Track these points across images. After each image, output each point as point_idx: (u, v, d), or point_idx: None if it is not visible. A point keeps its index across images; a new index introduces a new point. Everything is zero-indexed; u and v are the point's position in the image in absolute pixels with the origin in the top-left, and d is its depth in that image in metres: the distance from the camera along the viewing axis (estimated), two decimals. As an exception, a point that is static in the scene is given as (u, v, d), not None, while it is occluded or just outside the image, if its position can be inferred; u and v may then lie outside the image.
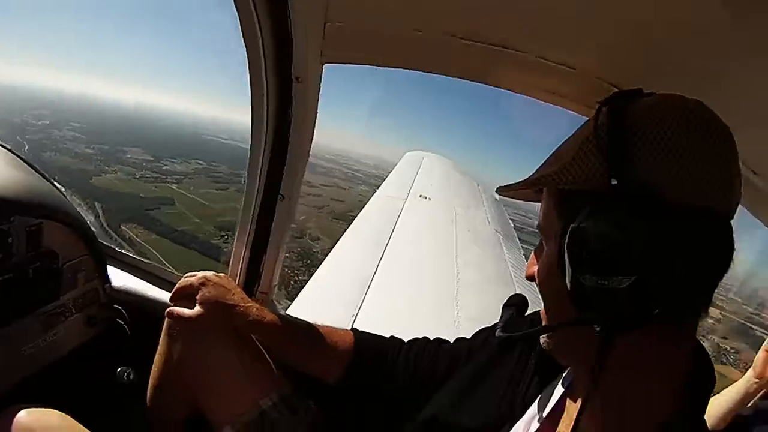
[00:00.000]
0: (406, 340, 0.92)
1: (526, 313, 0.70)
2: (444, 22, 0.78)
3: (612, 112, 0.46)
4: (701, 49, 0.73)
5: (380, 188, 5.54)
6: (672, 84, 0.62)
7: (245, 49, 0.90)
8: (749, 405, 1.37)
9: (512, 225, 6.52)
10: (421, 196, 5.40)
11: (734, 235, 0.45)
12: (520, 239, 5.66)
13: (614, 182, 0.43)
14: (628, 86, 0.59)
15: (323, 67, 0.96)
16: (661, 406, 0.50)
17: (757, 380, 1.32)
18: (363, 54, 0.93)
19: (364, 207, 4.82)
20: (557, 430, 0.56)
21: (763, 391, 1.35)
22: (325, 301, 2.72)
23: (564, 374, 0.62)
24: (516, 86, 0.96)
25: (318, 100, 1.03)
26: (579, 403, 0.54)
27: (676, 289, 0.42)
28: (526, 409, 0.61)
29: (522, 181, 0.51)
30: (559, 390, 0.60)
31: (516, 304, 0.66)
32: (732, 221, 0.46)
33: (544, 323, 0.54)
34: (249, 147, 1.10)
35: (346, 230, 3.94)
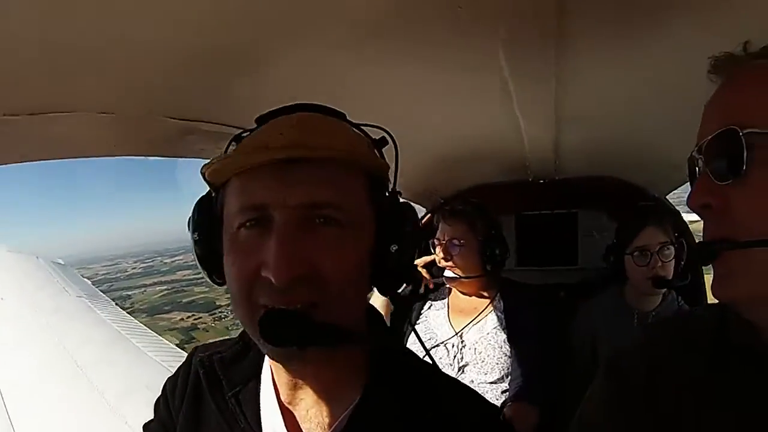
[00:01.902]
0: None
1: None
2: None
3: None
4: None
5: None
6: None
7: None
8: None
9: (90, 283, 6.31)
10: (-7, 299, 5.01)
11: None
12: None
13: None
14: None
15: None
16: (359, 369, 0.56)
17: None
18: None
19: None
20: (299, 415, 0.57)
21: None
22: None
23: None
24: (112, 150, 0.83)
25: None
26: (299, 395, 0.56)
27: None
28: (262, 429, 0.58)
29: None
30: (269, 394, 0.59)
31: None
32: None
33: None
34: None
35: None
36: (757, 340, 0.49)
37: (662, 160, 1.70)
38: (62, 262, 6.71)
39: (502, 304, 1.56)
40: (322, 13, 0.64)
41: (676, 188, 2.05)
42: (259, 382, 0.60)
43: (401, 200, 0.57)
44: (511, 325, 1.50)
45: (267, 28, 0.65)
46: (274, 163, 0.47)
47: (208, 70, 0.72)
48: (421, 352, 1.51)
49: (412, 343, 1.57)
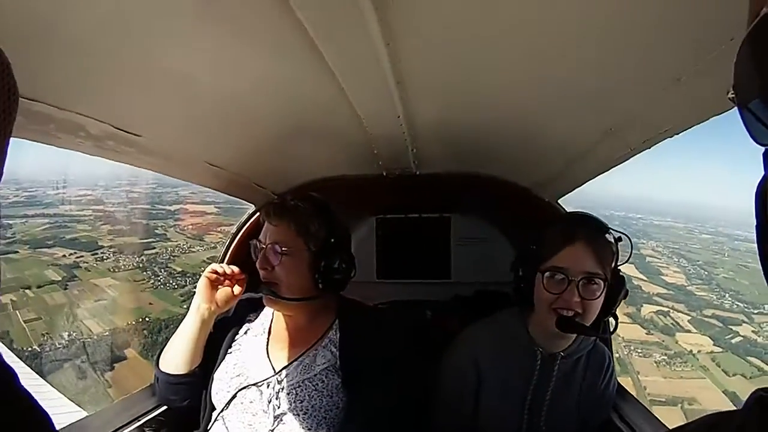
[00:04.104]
0: None
1: None
2: None
3: None
4: None
5: None
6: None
7: None
8: None
9: None
10: None
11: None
12: None
13: None
14: None
15: None
16: None
17: None
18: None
19: None
20: None
21: None
22: None
23: None
24: None
25: None
26: None
27: None
28: None
29: None
30: None
31: None
32: None
33: None
34: None
35: None
36: None
37: (550, 151, 1.34)
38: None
39: (338, 336, 1.19)
40: None
41: (570, 191, 1.67)
42: None
43: None
44: (348, 364, 1.15)
45: None
46: None
47: None
48: (229, 389, 1.14)
49: (219, 378, 1.18)
